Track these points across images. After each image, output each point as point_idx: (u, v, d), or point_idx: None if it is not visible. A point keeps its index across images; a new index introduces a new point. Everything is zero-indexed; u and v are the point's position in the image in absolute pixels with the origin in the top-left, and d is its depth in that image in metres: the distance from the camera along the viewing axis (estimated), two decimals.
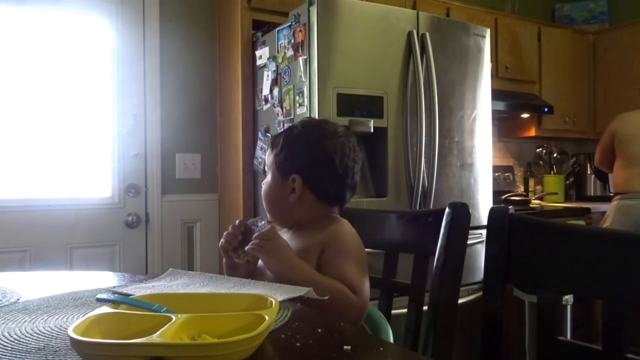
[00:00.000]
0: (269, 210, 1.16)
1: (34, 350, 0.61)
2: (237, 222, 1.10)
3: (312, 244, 1.05)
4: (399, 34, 2.13)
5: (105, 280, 1.06)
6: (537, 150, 3.76)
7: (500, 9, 3.55)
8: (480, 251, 2.25)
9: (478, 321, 0.89)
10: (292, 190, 1.10)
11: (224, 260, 1.12)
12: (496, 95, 2.73)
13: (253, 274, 1.10)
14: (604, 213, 3.14)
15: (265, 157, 1.19)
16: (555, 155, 3.74)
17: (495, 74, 3.11)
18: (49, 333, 0.68)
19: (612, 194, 3.09)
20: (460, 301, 1.37)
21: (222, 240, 1.09)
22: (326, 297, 0.88)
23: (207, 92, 2.67)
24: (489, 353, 0.87)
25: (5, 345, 0.63)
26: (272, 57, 2.23)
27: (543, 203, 3.43)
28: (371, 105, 2.05)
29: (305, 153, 1.10)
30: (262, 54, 2.31)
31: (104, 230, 2.41)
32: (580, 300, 2.37)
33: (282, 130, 1.24)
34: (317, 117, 1.93)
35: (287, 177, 1.11)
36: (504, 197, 3.26)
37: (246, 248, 1.02)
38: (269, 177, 1.15)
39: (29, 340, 0.65)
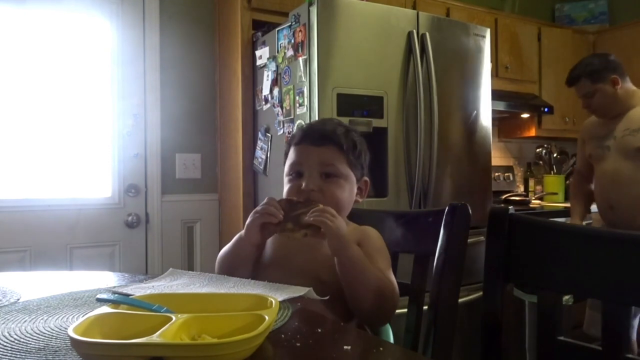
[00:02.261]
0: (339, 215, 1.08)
1: (34, 350, 0.61)
2: (267, 199, 1.02)
3: None
4: (399, 34, 2.13)
5: (105, 280, 1.06)
6: (537, 150, 3.76)
7: (500, 9, 3.55)
8: (480, 251, 2.24)
9: (478, 321, 0.89)
10: (359, 192, 1.13)
11: (240, 236, 1.05)
12: (496, 95, 2.73)
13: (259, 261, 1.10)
14: None
15: (330, 160, 1.07)
16: (555, 155, 3.74)
17: (495, 74, 3.11)
18: (49, 333, 0.68)
19: None
20: (460, 301, 1.37)
21: (259, 213, 0.99)
22: (326, 298, 0.88)
23: (207, 92, 2.67)
24: (489, 353, 0.87)
25: (5, 345, 0.63)
26: (272, 57, 2.23)
27: (543, 203, 3.42)
28: (371, 105, 2.05)
29: (368, 154, 1.15)
30: (262, 54, 2.31)
31: (104, 230, 2.41)
32: (578, 301, 2.37)
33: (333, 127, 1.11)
34: (317, 117, 1.93)
35: (360, 179, 1.13)
36: (504, 197, 3.26)
37: (312, 219, 0.94)
38: (342, 181, 1.08)
39: (29, 340, 0.65)
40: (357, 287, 0.94)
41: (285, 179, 1.11)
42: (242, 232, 1.06)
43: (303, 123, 1.99)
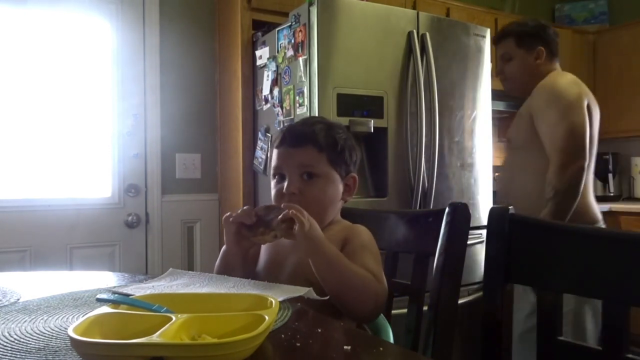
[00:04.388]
0: (323, 215, 1.07)
1: (34, 350, 0.61)
2: (245, 207, 1.03)
3: (332, 240, 1.04)
4: (399, 34, 2.13)
5: (105, 280, 1.06)
6: None
7: (500, 9, 3.55)
8: (480, 251, 2.25)
9: (478, 321, 0.89)
10: (347, 189, 1.11)
11: (224, 249, 1.07)
12: (496, 95, 2.73)
13: (253, 261, 1.10)
14: (603, 213, 3.12)
15: (301, 157, 1.07)
16: None
17: (495, 74, 3.10)
18: (49, 333, 0.68)
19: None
20: (460, 301, 1.37)
21: (232, 217, 1.00)
22: (326, 298, 0.88)
23: (207, 92, 2.67)
24: (489, 353, 0.87)
25: (5, 345, 0.63)
26: (272, 57, 2.23)
27: None
28: (371, 105, 2.05)
29: (356, 150, 1.14)
30: (262, 54, 2.31)
31: (104, 230, 2.41)
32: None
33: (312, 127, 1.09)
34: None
35: (344, 177, 1.11)
36: None
37: (280, 217, 0.93)
38: (323, 181, 1.07)
39: (29, 340, 0.65)
40: (338, 287, 0.93)
41: (271, 183, 1.12)
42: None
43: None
